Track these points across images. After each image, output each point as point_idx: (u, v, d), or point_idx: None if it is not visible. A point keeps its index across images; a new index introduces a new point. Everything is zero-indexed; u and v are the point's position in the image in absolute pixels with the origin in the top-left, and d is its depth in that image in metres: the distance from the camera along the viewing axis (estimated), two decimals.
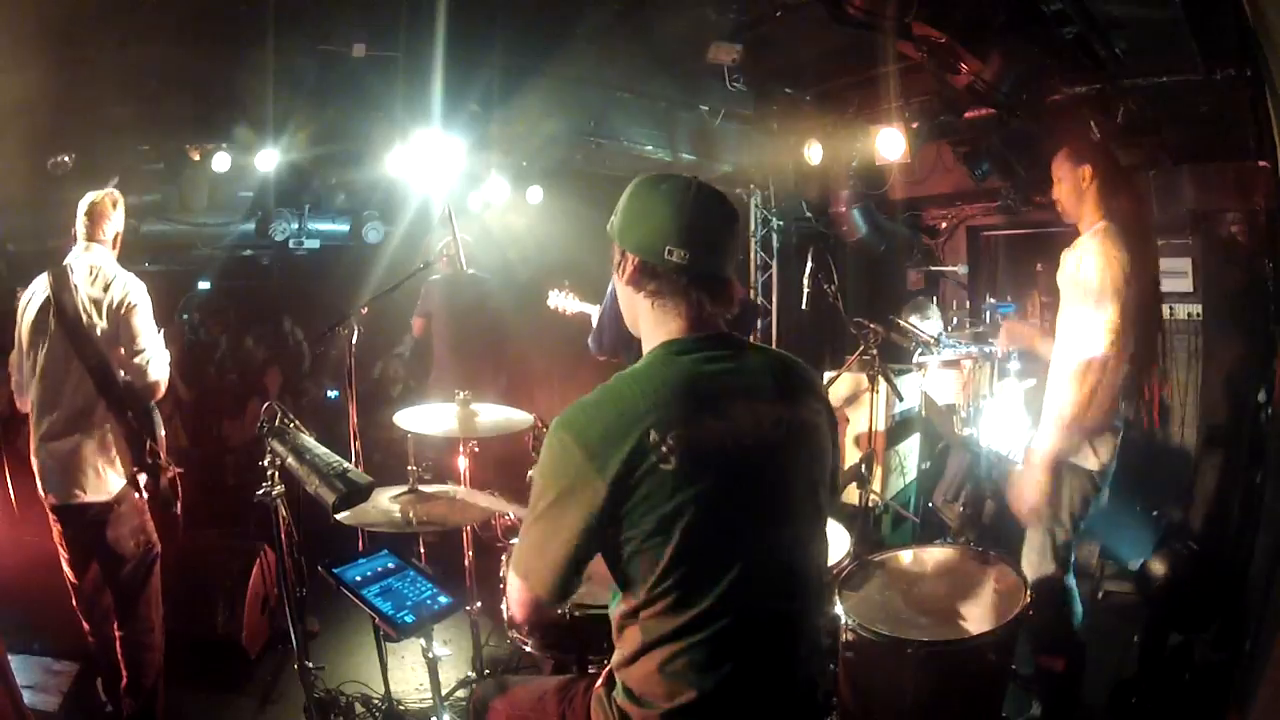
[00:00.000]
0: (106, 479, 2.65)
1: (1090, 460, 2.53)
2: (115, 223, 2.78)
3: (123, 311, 2.65)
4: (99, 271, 2.67)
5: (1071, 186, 2.59)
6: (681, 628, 1.35)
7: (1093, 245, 2.46)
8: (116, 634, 2.74)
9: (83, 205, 2.73)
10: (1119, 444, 2.57)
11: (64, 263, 2.68)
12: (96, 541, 2.68)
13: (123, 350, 2.66)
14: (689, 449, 1.31)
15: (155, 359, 2.70)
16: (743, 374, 1.42)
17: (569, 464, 1.33)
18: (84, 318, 2.61)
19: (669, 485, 1.30)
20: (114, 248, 2.79)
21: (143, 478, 2.71)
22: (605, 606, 1.54)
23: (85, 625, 2.81)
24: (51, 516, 2.71)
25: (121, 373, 2.66)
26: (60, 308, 2.61)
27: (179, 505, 2.83)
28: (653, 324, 1.46)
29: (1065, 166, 2.61)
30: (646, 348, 1.47)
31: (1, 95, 3.10)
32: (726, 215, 1.44)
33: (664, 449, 1.29)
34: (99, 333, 2.62)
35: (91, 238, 2.72)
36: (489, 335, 4.85)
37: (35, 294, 2.70)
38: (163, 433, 2.79)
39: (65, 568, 2.77)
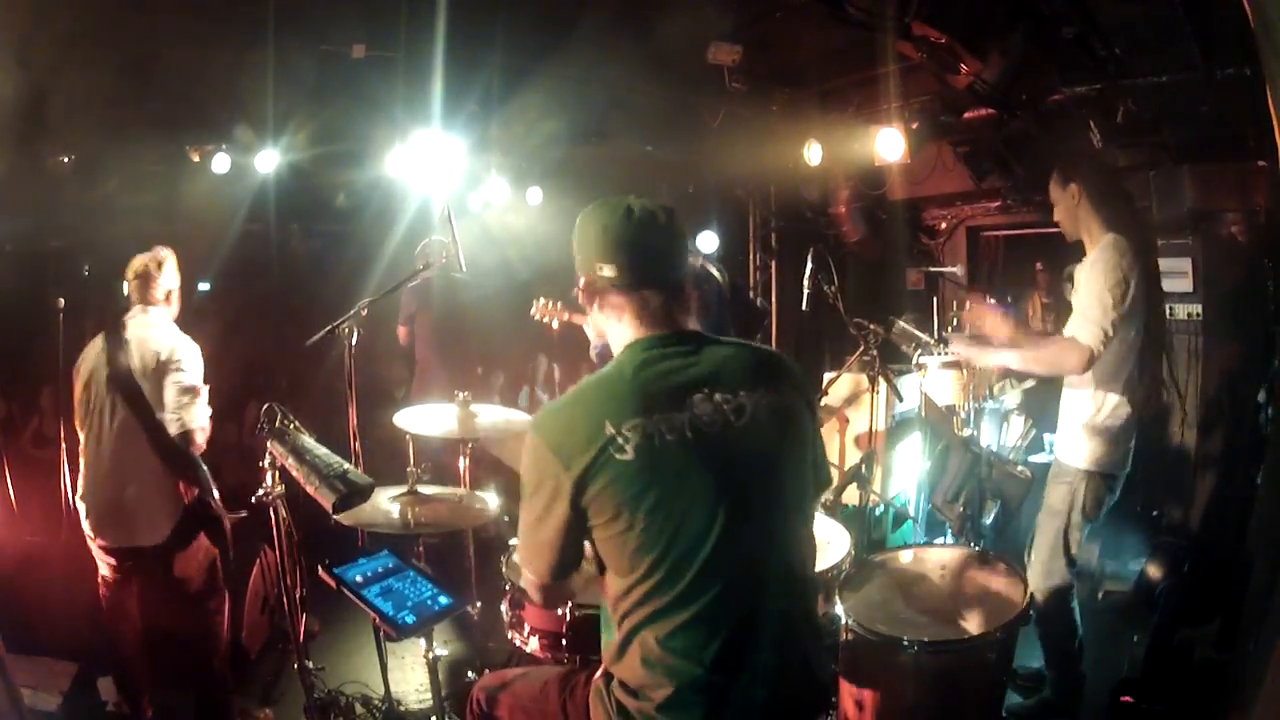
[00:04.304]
0: (158, 524, 2.71)
1: (1111, 464, 2.63)
2: (166, 281, 2.84)
3: (169, 371, 2.69)
4: (152, 334, 2.74)
5: (1065, 207, 2.72)
6: (657, 613, 1.39)
7: (1099, 257, 2.56)
8: None
9: (130, 269, 2.81)
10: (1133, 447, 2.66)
11: (122, 321, 2.75)
12: (161, 575, 2.74)
13: (166, 406, 2.70)
14: (645, 440, 1.37)
15: (194, 412, 2.73)
16: (702, 365, 1.47)
17: (540, 462, 1.43)
18: (134, 375, 2.67)
19: (626, 475, 1.37)
20: (169, 304, 2.86)
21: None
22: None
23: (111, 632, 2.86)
24: (100, 554, 2.77)
25: (166, 425, 2.70)
26: (113, 367, 2.68)
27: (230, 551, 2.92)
28: (617, 333, 1.55)
29: (1055, 191, 2.74)
30: (615, 354, 1.55)
31: (2, 95, 3.10)
32: (662, 226, 1.51)
33: (620, 440, 1.37)
34: (147, 391, 2.68)
35: (144, 300, 2.80)
36: (473, 337, 4.79)
37: (90, 354, 2.78)
38: (213, 485, 2.82)
39: (101, 589, 2.82)
